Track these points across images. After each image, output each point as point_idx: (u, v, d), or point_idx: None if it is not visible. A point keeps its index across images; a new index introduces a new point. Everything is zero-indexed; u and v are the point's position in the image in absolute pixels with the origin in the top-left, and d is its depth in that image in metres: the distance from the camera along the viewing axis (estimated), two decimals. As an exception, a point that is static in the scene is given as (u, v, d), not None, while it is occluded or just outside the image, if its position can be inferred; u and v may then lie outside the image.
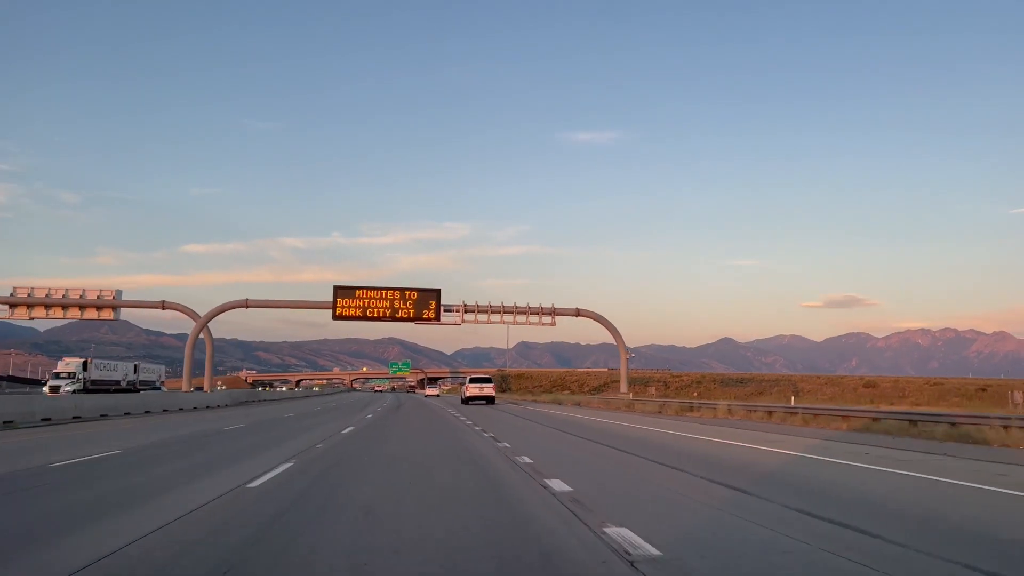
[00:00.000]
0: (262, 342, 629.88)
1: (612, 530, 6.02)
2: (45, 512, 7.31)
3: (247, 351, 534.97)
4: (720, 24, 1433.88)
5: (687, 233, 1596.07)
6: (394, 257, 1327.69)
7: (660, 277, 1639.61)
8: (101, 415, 29.34)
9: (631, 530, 5.97)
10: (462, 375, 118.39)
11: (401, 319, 58.15)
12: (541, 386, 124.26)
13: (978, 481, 9.39)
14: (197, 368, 63.59)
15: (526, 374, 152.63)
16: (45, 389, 58.15)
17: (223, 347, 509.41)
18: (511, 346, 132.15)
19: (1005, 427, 16.27)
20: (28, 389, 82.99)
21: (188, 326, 60.38)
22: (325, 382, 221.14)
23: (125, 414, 31.13)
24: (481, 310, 59.01)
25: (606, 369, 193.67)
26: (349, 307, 57.31)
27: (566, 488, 8.38)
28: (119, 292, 58.28)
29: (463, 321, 58.83)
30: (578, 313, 60.19)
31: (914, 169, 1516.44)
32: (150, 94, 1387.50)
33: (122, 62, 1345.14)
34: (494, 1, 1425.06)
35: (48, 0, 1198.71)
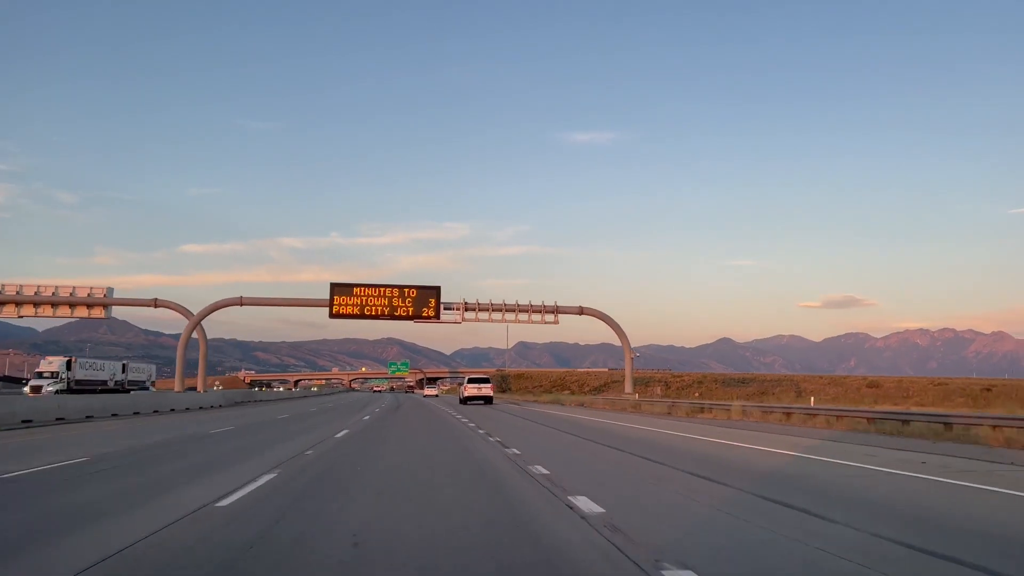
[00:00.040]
0: (261, 342, 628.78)
1: (673, 575, 4.64)
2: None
3: (246, 351, 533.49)
4: (720, 24, 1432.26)
5: (686, 233, 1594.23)
6: (393, 257, 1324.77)
7: (659, 277, 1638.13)
8: (86, 417, 28.03)
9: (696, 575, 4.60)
10: (461, 375, 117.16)
11: (400, 317, 56.67)
12: (541, 386, 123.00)
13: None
14: (192, 368, 62.23)
15: (525, 374, 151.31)
16: (26, 389, 56.40)
17: (222, 347, 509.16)
18: (510, 346, 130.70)
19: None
20: (19, 389, 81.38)
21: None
22: (324, 382, 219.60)
23: (112, 415, 29.82)
24: (482, 308, 57.58)
25: (606, 369, 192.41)
26: (346, 305, 55.78)
27: (597, 509, 6.98)
28: (110, 290, 56.79)
29: (463, 319, 57.37)
30: (582, 311, 58.79)
31: (913, 169, 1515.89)
32: (149, 94, 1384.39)
33: (121, 62, 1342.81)
34: (494, 1, 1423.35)
35: (47, 0, 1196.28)
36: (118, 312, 58.66)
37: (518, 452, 13.11)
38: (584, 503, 7.31)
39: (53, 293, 55.29)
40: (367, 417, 29.04)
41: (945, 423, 18.76)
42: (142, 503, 7.68)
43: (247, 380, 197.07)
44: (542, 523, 6.49)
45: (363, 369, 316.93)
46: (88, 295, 55.82)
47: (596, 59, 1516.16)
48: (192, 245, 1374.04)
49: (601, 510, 6.92)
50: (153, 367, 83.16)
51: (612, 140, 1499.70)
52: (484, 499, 7.84)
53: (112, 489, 8.79)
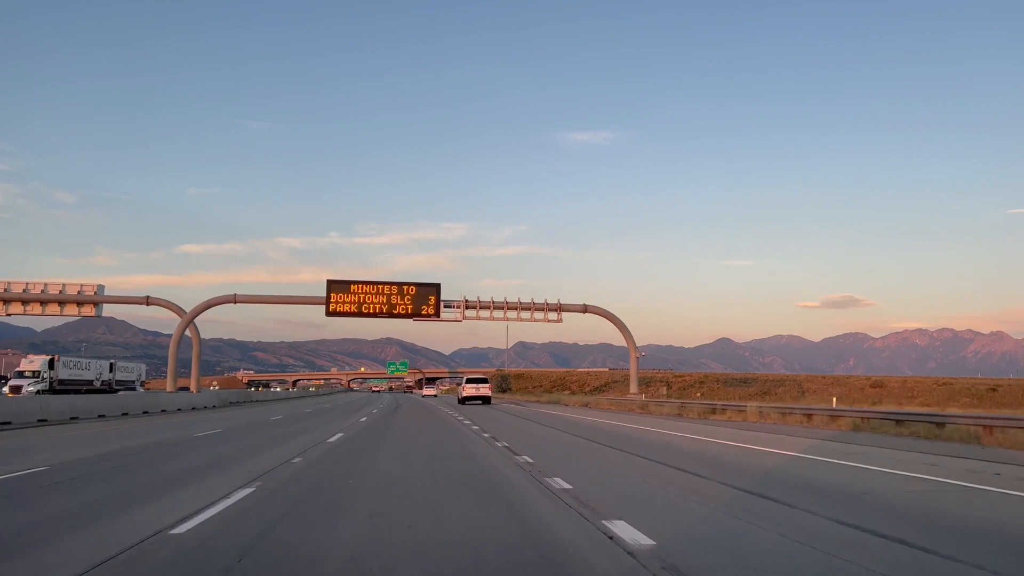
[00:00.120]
0: (259, 342, 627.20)
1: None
2: None
3: (244, 351, 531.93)
4: (720, 24, 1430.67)
5: (685, 233, 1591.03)
6: (391, 257, 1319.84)
7: (658, 277, 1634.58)
8: (71, 418, 26.74)
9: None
10: (460, 375, 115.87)
11: (399, 315, 55.14)
12: (541, 386, 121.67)
13: None
14: (188, 367, 60.70)
15: (525, 374, 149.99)
16: (5, 390, 54.42)
17: (221, 348, 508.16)
18: (509, 346, 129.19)
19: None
20: None
21: (186, 325, 57.40)
22: (322, 382, 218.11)
23: (99, 416, 28.54)
24: (483, 306, 56.04)
25: (607, 369, 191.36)
26: (343, 302, 54.21)
27: (644, 540, 5.57)
28: (101, 287, 55.20)
29: (464, 318, 55.83)
30: (585, 309, 57.30)
31: (912, 169, 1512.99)
32: (148, 94, 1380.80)
33: (120, 62, 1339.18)
34: (494, 1, 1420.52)
35: (46, 1, 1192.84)
36: (117, 312, 57.55)
37: (530, 460, 11.68)
38: (625, 531, 5.90)
39: (42, 291, 53.78)
40: (364, 419, 27.63)
41: (985, 426, 17.46)
42: (80, 528, 6.26)
43: (245, 380, 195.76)
44: (579, 562, 5.06)
45: (362, 369, 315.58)
46: (79, 292, 54.31)
47: (596, 59, 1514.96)
48: (191, 245, 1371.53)
49: (650, 542, 5.51)
50: (143, 366, 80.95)
51: (611, 140, 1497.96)
52: (499, 524, 6.40)
53: (54, 509, 7.36)
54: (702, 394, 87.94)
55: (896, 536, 5.79)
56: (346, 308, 54.28)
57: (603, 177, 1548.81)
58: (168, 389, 52.71)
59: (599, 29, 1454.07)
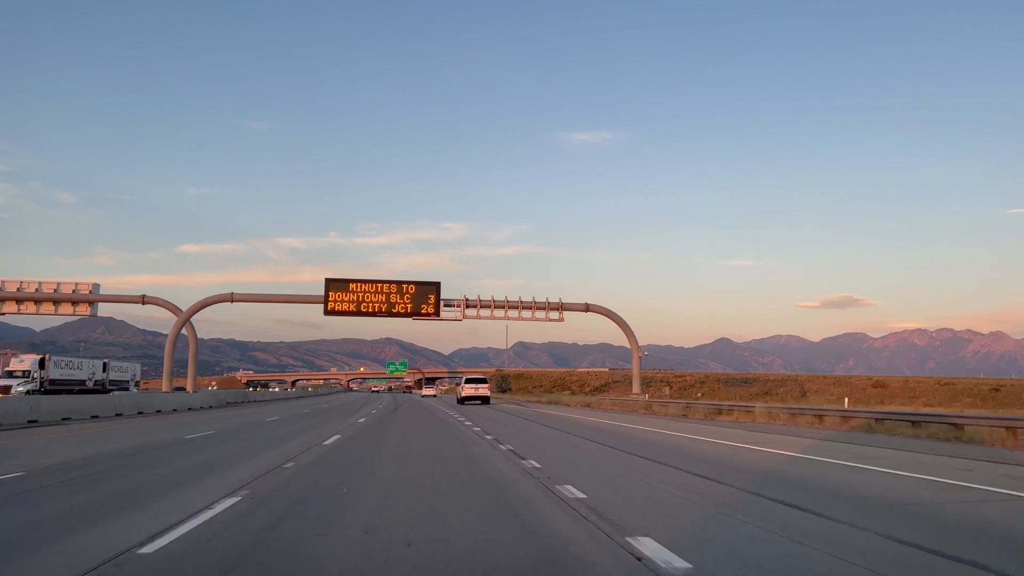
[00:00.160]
0: (259, 342, 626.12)
1: None
2: None
3: (244, 352, 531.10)
4: (720, 24, 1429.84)
5: (685, 233, 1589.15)
6: (391, 257, 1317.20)
7: (658, 277, 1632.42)
8: (63, 419, 26.10)
9: None
10: (459, 375, 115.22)
11: (398, 314, 54.39)
12: (541, 386, 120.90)
13: None
14: (184, 367, 60.00)
15: (525, 374, 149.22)
16: None
17: (220, 348, 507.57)
18: (508, 346, 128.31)
19: None
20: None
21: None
22: (322, 382, 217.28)
23: (92, 417, 27.94)
24: (484, 305, 55.28)
25: (607, 369, 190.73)
26: (342, 301, 53.45)
27: (678, 562, 4.87)
28: (96, 286, 54.50)
29: (464, 317, 55.11)
30: (587, 308, 56.56)
31: (911, 169, 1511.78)
32: (148, 94, 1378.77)
33: (119, 62, 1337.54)
34: (494, 1, 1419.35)
35: (46, 1, 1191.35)
36: (116, 312, 56.74)
37: (537, 465, 10.96)
38: (654, 550, 5.20)
39: (36, 290, 53.04)
40: (362, 419, 26.93)
41: (1009, 427, 16.77)
42: (37, 547, 5.56)
43: (244, 380, 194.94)
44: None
45: (361, 369, 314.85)
46: (73, 291, 53.57)
47: (596, 59, 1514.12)
48: (190, 245, 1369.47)
49: (685, 564, 4.80)
50: (138, 366, 79.79)
51: (611, 140, 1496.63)
52: (510, 543, 5.69)
53: (15, 522, 6.65)
54: (702, 394, 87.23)
55: (965, 558, 5.09)
56: (345, 307, 53.56)
57: (603, 177, 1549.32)
58: (164, 389, 51.96)
59: (599, 29, 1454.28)
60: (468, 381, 50.52)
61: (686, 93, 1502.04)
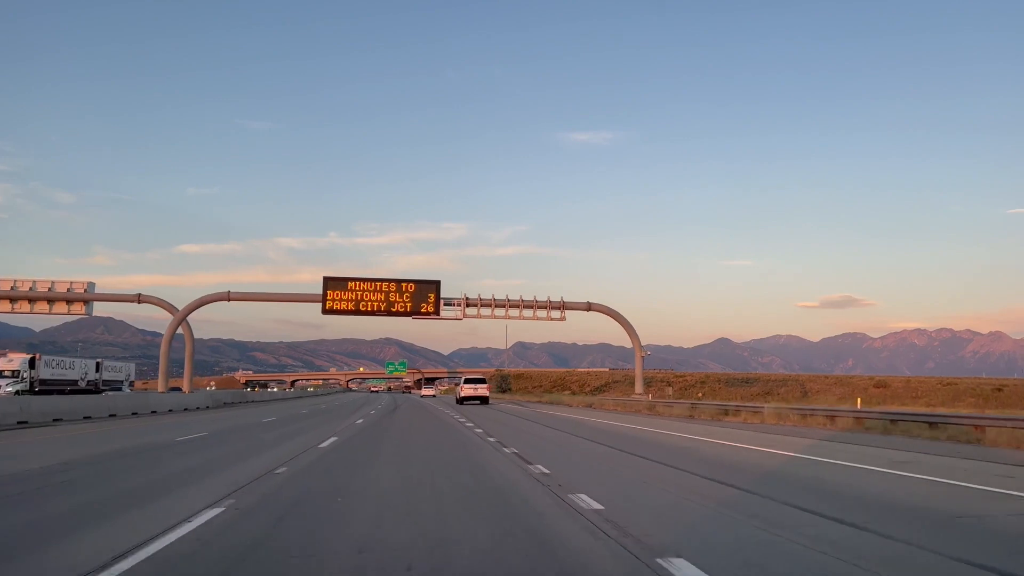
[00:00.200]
0: (258, 342, 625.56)
1: None
2: None
3: (243, 352, 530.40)
4: (720, 24, 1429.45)
5: (684, 233, 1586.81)
6: (390, 257, 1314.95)
7: (657, 277, 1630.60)
8: (54, 420, 25.41)
9: None
10: (459, 375, 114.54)
11: (397, 313, 53.66)
12: (541, 386, 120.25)
13: None
14: (182, 367, 59.30)
15: (525, 374, 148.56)
16: None
17: (219, 348, 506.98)
18: (508, 346, 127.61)
19: None
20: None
21: (186, 326, 56.01)
22: (321, 383, 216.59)
23: (85, 418, 27.24)
24: (484, 304, 54.54)
25: (607, 369, 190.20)
26: (340, 300, 52.72)
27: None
28: (91, 285, 53.79)
29: (465, 316, 54.38)
30: (589, 307, 55.83)
31: (911, 169, 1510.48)
32: (147, 94, 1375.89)
33: (119, 62, 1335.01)
34: (494, 1, 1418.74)
35: (46, 1, 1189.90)
36: (115, 312, 56.12)
37: (546, 471, 10.24)
38: (690, 574, 4.49)
39: (30, 288, 52.31)
40: (360, 420, 26.22)
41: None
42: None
43: (243, 380, 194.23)
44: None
45: (361, 369, 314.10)
46: (68, 290, 52.85)
47: (596, 59, 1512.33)
48: (189, 245, 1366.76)
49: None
50: (132, 366, 78.72)
51: (611, 140, 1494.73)
52: (525, 568, 4.99)
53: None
54: (703, 394, 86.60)
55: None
56: (343, 306, 52.84)
57: (603, 177, 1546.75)
58: (159, 389, 51.26)
59: (599, 29, 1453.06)
60: (467, 381, 50.48)
61: (686, 93, 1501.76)
